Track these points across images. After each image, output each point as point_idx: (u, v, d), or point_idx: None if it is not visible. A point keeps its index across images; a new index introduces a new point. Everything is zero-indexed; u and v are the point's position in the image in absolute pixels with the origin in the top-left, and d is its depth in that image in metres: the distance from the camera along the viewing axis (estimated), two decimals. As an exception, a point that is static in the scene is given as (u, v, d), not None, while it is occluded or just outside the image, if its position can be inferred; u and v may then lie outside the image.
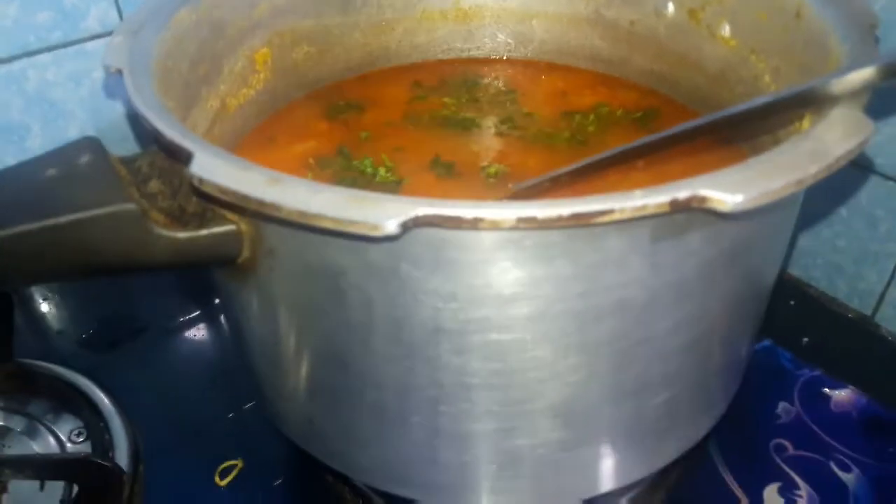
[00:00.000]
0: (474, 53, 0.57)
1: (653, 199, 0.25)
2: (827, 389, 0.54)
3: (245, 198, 0.26)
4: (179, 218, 0.31)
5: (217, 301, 0.63)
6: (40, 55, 0.60)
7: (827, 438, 0.51)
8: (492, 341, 0.31)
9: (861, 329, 0.62)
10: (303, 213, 0.25)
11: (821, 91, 0.30)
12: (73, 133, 0.64)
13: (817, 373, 0.56)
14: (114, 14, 0.61)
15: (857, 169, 0.58)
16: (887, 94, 0.53)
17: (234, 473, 0.49)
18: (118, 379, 0.55)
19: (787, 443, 0.51)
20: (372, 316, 0.31)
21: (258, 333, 0.37)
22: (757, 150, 0.42)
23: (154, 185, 0.32)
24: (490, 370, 0.32)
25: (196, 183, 0.26)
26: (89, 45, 0.61)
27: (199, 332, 0.61)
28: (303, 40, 0.50)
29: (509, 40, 0.57)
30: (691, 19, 0.49)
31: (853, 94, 0.30)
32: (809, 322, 0.62)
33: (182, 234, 0.30)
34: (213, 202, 0.30)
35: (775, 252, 0.37)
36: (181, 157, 0.28)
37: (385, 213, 0.25)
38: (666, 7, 0.50)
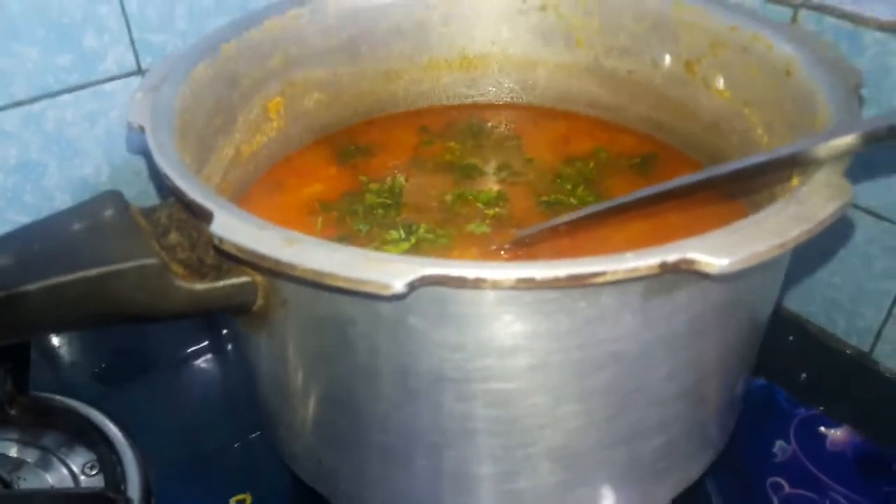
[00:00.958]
0: (478, 99, 0.59)
1: (643, 261, 0.26)
2: (823, 428, 0.55)
3: (262, 257, 0.27)
4: (198, 269, 0.32)
5: (224, 332, 0.64)
6: (60, 96, 0.62)
7: (823, 477, 0.52)
8: (493, 389, 0.32)
9: (859, 365, 0.63)
10: (317, 273, 0.27)
11: (805, 155, 0.32)
12: (88, 171, 0.66)
13: (813, 411, 0.57)
14: (130, 57, 0.63)
15: (853, 210, 0.59)
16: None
17: (243, 507, 0.50)
18: (129, 411, 0.56)
19: (783, 481, 0.52)
20: (379, 363, 0.33)
21: (270, 376, 0.39)
22: (754, 204, 0.43)
23: (173, 238, 0.34)
24: (492, 416, 0.33)
25: (216, 242, 0.28)
26: (107, 86, 0.63)
27: (206, 363, 0.62)
28: (314, 89, 0.52)
29: (513, 87, 0.59)
30: (687, 71, 0.51)
31: (836, 158, 0.31)
32: (808, 358, 0.63)
33: (200, 286, 0.32)
34: (231, 259, 0.31)
35: (764, 302, 0.38)
36: (202, 216, 0.30)
37: (393, 274, 0.26)
38: (663, 59, 0.52)
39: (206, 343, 0.64)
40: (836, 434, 0.55)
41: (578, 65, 0.56)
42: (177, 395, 0.60)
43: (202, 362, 0.62)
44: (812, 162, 0.32)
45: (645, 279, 0.28)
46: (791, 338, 0.66)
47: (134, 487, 0.50)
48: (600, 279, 0.26)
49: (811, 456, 0.53)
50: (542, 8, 0.55)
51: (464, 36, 0.57)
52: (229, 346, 0.64)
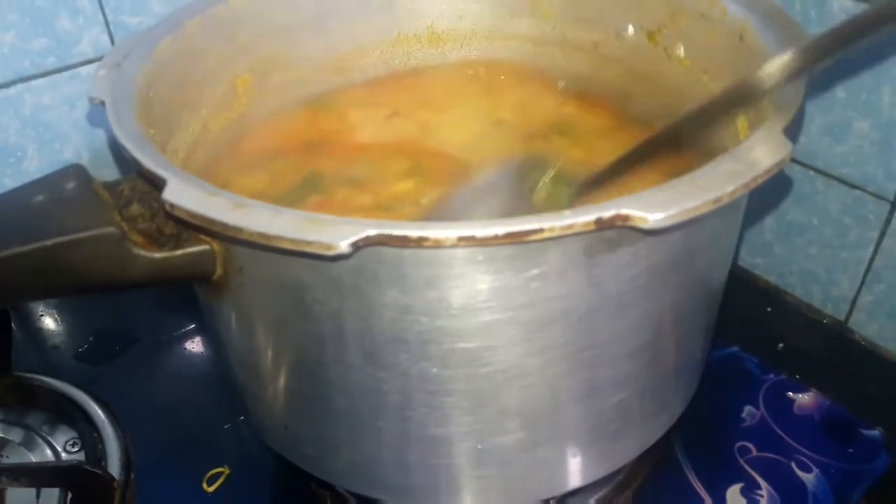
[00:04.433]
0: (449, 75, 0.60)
1: (580, 218, 0.27)
2: (791, 393, 0.56)
3: (211, 221, 0.28)
4: (157, 239, 0.33)
5: (205, 317, 0.65)
6: (36, 80, 0.62)
7: (789, 440, 0.53)
8: (446, 350, 0.33)
9: (836, 334, 0.64)
10: (263, 235, 0.27)
11: (752, 86, 0.32)
12: (68, 155, 0.66)
13: (782, 377, 0.58)
14: (105, 39, 0.64)
15: (826, 179, 0.60)
16: (850, 106, 0.55)
17: (220, 480, 0.51)
18: (112, 391, 0.57)
19: (750, 445, 0.53)
20: (335, 328, 0.33)
21: (235, 345, 0.40)
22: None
23: (135, 209, 0.34)
24: (447, 377, 0.34)
25: (168, 207, 0.29)
26: (83, 69, 0.64)
27: (190, 346, 0.63)
28: (282, 65, 0.53)
29: (481, 60, 0.59)
30: (650, 41, 0.51)
31: (782, 82, 0.31)
32: (786, 328, 0.64)
33: (159, 255, 0.33)
34: (184, 225, 0.32)
35: (717, 262, 0.39)
36: (157, 183, 0.30)
37: (338, 234, 0.27)
38: (626, 29, 0.52)
39: (191, 327, 0.65)
40: (803, 398, 0.56)
41: (545, 38, 0.56)
42: (161, 378, 0.61)
43: (185, 345, 0.63)
44: (762, 93, 0.32)
45: (585, 236, 0.28)
46: (769, 309, 0.67)
47: (114, 462, 0.51)
48: (538, 236, 0.27)
49: (779, 420, 0.54)
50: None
51: (432, 10, 0.57)
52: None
